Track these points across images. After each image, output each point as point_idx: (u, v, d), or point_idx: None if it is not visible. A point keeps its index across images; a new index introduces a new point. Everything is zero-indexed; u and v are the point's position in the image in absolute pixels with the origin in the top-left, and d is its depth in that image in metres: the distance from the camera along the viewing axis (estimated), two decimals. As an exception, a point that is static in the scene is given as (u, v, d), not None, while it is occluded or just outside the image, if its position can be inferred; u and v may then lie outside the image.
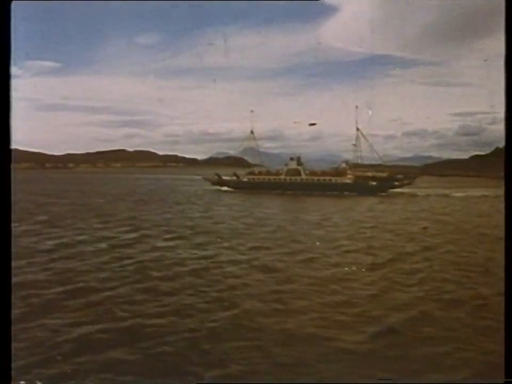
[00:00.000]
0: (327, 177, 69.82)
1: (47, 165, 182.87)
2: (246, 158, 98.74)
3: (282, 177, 70.46)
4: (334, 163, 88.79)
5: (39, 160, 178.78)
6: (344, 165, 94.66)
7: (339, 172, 71.89)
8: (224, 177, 74.64)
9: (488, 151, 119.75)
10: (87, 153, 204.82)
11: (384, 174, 75.99)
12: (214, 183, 74.15)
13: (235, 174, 74.58)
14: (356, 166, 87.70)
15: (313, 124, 78.83)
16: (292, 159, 72.43)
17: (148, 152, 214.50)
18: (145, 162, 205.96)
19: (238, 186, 71.14)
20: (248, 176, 73.40)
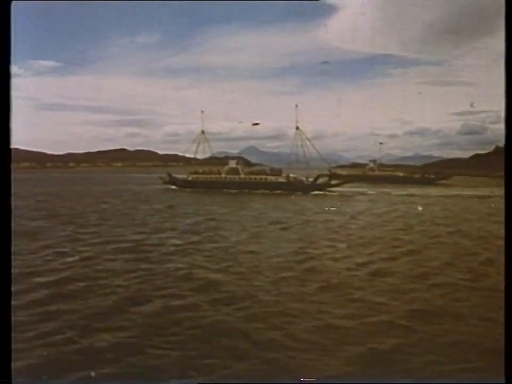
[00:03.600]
0: (262, 176, 70.58)
1: (48, 164, 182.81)
2: (246, 157, 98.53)
3: (223, 176, 71.83)
4: (335, 162, 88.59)
5: (39, 159, 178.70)
6: (372, 165, 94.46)
7: (274, 172, 72.02)
8: (174, 176, 76.63)
9: (489, 150, 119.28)
10: (88, 153, 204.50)
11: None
12: (165, 182, 75.73)
13: (194, 172, 76.41)
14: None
15: (257, 124, 79.42)
16: (232, 158, 74.61)
17: (149, 151, 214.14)
18: (146, 161, 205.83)
19: (184, 185, 73.79)
20: (193, 175, 74.19)
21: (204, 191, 68.71)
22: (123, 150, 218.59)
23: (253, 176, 71.50)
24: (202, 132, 79.25)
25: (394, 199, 59.44)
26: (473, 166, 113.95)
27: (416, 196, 62.23)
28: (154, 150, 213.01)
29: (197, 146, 79.58)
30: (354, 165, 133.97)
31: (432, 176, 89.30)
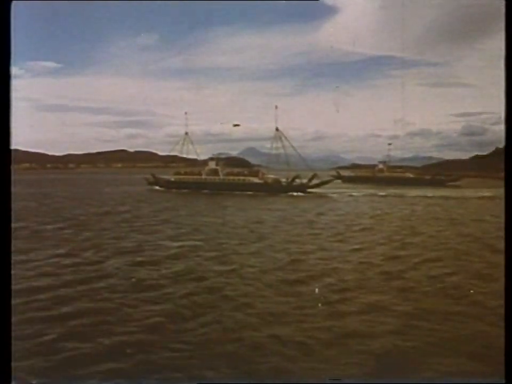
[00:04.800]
0: (240, 177, 70.53)
1: (48, 165, 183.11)
2: (247, 158, 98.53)
3: (203, 177, 72.17)
4: (334, 163, 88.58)
5: (39, 160, 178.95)
6: (381, 166, 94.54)
7: (252, 173, 72.61)
8: (158, 177, 77.16)
9: (489, 152, 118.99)
10: (88, 154, 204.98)
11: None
12: (149, 183, 76.73)
13: (177, 173, 77.15)
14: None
15: (237, 125, 79.70)
16: (212, 159, 75.07)
17: (149, 152, 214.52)
18: (146, 162, 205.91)
19: (166, 185, 74.34)
20: (175, 176, 75.19)
21: (185, 191, 69.74)
22: (123, 151, 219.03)
23: (231, 177, 72.04)
24: (186, 133, 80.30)
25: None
26: (470, 167, 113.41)
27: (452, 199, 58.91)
28: (154, 151, 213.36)
29: (181, 147, 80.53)
30: (354, 166, 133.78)
31: (443, 178, 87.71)
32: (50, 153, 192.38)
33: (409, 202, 55.07)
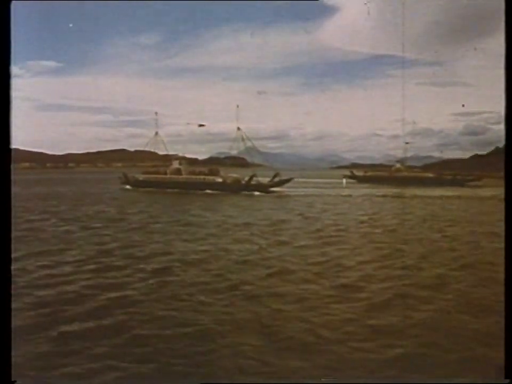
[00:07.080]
0: (201, 177, 70.57)
1: (48, 164, 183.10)
2: (246, 158, 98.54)
3: (168, 176, 72.10)
4: (333, 163, 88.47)
5: (39, 160, 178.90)
6: (398, 165, 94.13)
7: (213, 172, 72.59)
8: (129, 176, 79.92)
9: (489, 151, 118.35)
10: (88, 153, 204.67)
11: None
12: (122, 182, 79.06)
13: (145, 172, 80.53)
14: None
15: (202, 125, 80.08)
16: (176, 159, 76.22)
17: (149, 152, 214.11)
18: (146, 162, 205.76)
19: (136, 184, 76.54)
20: (143, 175, 77.59)
21: (151, 190, 70.82)
22: (123, 150, 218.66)
23: (193, 176, 72.55)
24: (156, 133, 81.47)
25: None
26: (470, 167, 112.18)
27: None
28: (153, 150, 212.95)
29: (153, 148, 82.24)
30: (356, 165, 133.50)
31: (469, 177, 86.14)
32: (50, 152, 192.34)
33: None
